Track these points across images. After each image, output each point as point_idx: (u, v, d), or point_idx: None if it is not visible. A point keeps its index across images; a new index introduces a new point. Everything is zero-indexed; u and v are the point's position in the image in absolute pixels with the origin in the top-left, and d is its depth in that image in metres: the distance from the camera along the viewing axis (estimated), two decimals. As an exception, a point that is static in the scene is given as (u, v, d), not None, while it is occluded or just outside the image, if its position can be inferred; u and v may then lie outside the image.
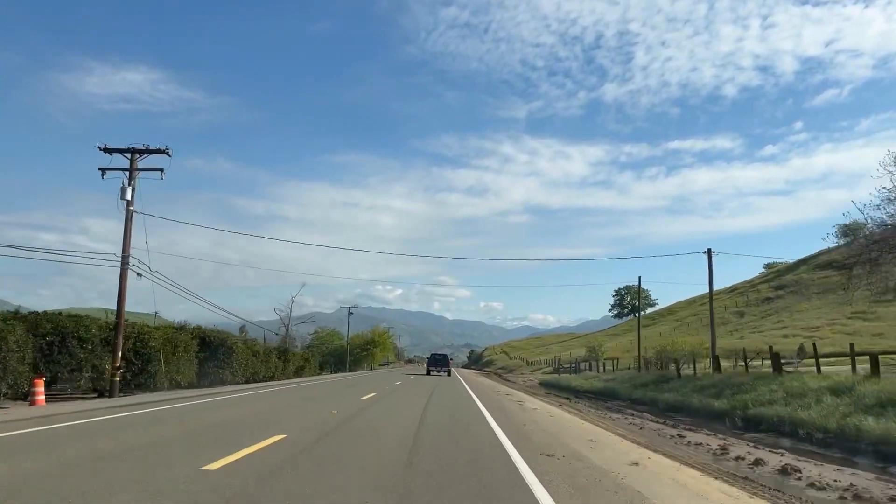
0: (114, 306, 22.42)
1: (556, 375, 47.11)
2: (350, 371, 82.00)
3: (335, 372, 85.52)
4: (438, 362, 53.26)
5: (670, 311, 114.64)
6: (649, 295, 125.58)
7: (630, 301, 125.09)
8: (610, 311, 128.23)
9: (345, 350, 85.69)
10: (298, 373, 54.72)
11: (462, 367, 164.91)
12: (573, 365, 50.75)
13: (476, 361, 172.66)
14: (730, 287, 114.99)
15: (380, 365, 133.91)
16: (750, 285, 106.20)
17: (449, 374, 51.44)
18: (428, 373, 52.29)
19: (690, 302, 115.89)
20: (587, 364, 53.04)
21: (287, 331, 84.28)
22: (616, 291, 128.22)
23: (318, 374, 61.64)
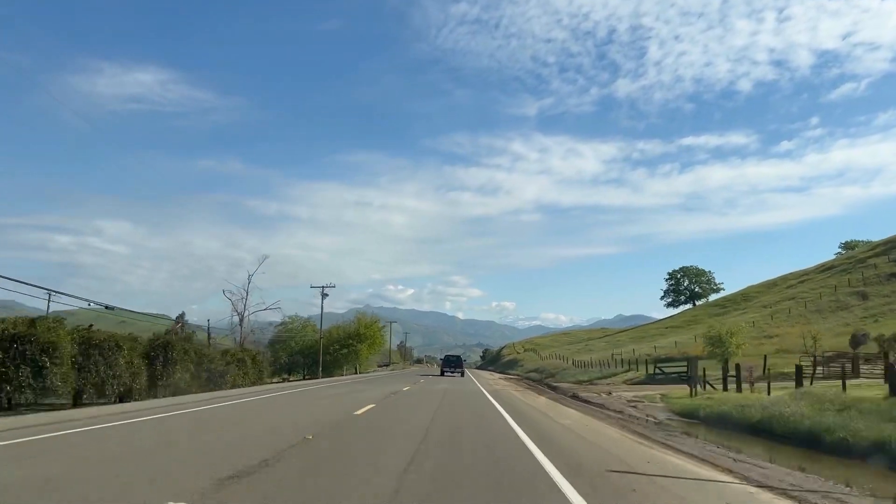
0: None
1: (687, 395, 23.22)
2: (325, 377, 58.49)
3: (308, 377, 62.04)
4: (452, 363, 54.82)
5: (745, 296, 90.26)
6: (713, 278, 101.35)
7: (689, 286, 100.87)
8: (662, 298, 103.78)
9: (332, 347, 62.27)
10: (215, 383, 32.54)
11: (476, 368, 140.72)
12: (689, 373, 26.60)
13: (493, 362, 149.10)
14: (820, 266, 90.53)
15: (378, 366, 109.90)
16: (854, 261, 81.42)
17: (462, 375, 51.79)
18: (442, 373, 53.30)
19: (770, 285, 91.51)
20: (701, 366, 29.47)
21: (241, 321, 60.83)
22: (670, 275, 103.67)
23: (263, 384, 38.46)
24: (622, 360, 53.13)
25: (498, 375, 66.96)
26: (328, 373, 62.65)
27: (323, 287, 57.54)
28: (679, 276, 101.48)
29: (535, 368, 67.41)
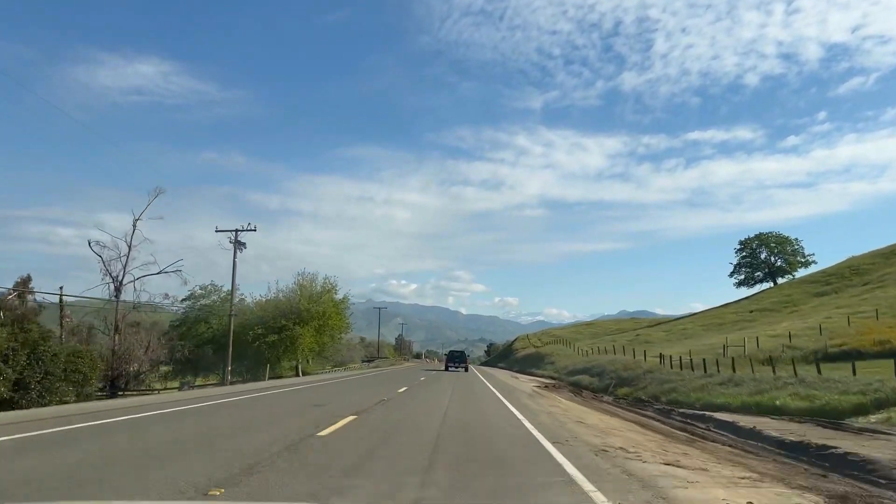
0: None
1: None
2: (251, 379, 34.67)
3: (225, 381, 38.31)
4: (456, 359, 53.13)
5: (855, 269, 66.30)
6: (800, 249, 77.24)
7: (769, 257, 76.73)
8: (732, 275, 79.29)
9: (252, 333, 38.34)
10: None
11: (482, 365, 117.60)
12: None
13: (503, 357, 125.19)
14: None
15: (364, 361, 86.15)
16: None
17: (466, 370, 50.50)
18: (446, 368, 52.11)
19: (885, 254, 67.53)
20: None
21: (119, 290, 37.26)
22: (742, 244, 79.27)
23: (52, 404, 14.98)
24: (742, 355, 29.25)
25: (529, 381, 43.20)
26: (254, 374, 38.94)
27: (236, 231, 33.57)
28: (755, 245, 77.30)
29: (584, 369, 43.50)
